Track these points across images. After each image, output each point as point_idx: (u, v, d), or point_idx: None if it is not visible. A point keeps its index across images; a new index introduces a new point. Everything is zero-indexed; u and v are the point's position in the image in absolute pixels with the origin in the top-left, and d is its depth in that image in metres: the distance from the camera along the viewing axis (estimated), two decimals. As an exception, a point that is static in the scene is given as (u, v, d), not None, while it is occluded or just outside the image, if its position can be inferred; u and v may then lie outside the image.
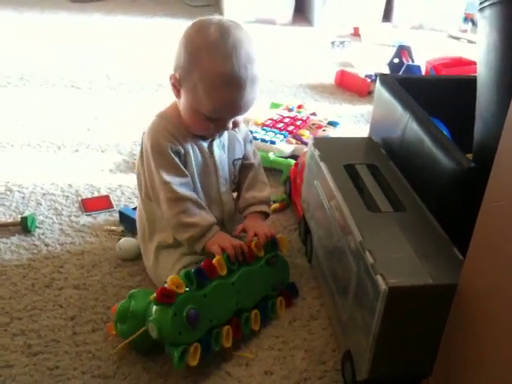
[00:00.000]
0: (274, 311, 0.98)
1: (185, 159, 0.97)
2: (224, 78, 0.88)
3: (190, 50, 0.90)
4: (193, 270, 0.86)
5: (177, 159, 0.95)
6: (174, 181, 0.94)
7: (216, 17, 0.93)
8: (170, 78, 0.94)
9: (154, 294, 0.83)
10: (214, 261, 0.89)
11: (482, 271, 0.67)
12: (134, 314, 0.86)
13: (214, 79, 0.88)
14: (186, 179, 0.96)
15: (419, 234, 0.83)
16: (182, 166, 0.95)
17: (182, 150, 0.95)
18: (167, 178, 0.93)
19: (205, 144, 0.99)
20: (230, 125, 0.96)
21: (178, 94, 0.95)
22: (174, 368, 0.83)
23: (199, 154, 0.99)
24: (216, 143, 1.01)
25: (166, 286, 0.83)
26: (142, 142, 0.99)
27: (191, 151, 0.97)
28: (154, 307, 0.82)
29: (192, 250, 0.96)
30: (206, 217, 0.96)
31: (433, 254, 0.78)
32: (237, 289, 0.91)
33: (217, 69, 0.87)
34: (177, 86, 0.94)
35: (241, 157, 1.07)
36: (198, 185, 0.99)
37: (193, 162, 0.97)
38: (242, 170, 1.09)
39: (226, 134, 1.03)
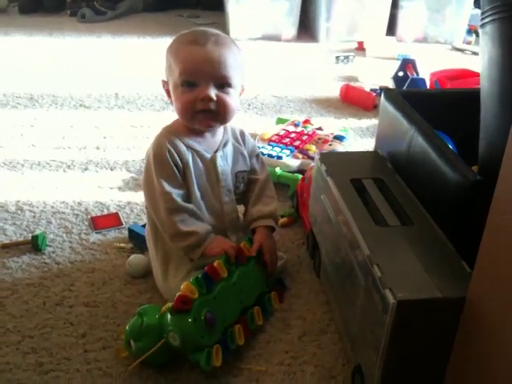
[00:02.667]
0: (271, 305, 1.02)
1: (184, 172, 0.99)
2: (187, 40, 0.97)
3: (167, 49, 1.00)
4: (200, 276, 0.89)
5: (176, 171, 0.98)
6: (174, 192, 0.97)
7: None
8: (163, 86, 1.02)
9: (168, 305, 0.86)
10: (215, 264, 0.92)
11: (491, 283, 0.67)
12: (148, 329, 0.86)
13: (178, 44, 0.98)
14: (183, 191, 0.99)
15: (427, 248, 0.83)
16: (180, 179, 0.98)
17: (181, 164, 0.98)
18: (168, 188, 0.96)
19: (208, 155, 1.02)
20: (211, 93, 0.95)
21: (168, 96, 1.01)
22: (202, 370, 0.85)
23: (201, 165, 1.01)
24: (219, 154, 1.03)
25: (179, 292, 0.85)
26: (146, 155, 1.02)
27: (191, 163, 0.99)
28: (172, 317, 0.84)
29: (189, 257, 0.99)
30: (203, 226, 0.99)
31: (441, 268, 0.79)
32: (238, 288, 0.95)
33: (182, 39, 0.98)
34: (165, 86, 1.01)
35: (246, 169, 1.09)
36: (198, 195, 1.01)
37: (192, 173, 1.00)
38: (249, 185, 1.10)
39: (230, 146, 1.06)
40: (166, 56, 1.00)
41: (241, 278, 0.96)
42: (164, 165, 0.97)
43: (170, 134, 1.00)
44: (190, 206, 0.99)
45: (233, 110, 1.00)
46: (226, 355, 0.88)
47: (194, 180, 1.00)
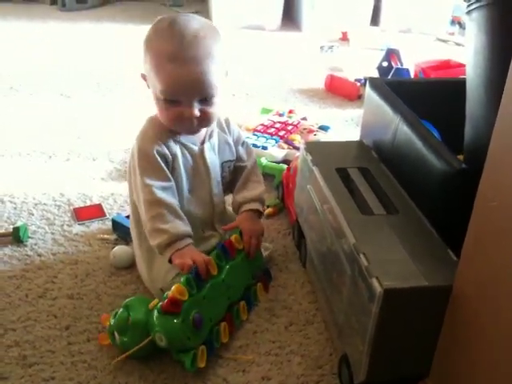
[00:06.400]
0: (256, 298, 1.02)
1: (172, 163, 0.97)
2: (167, 55, 0.89)
3: (145, 41, 0.94)
4: (191, 275, 0.87)
5: (162, 163, 0.95)
6: (156, 184, 0.94)
7: (177, 14, 0.97)
8: (142, 78, 0.98)
9: (156, 302, 0.85)
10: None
11: (476, 272, 0.67)
12: (135, 325, 0.85)
13: (158, 57, 0.91)
14: (168, 183, 0.96)
15: (413, 236, 0.83)
16: (166, 170, 0.96)
17: (170, 155, 0.96)
18: (148, 180, 0.94)
19: (195, 147, 1.00)
20: (196, 112, 0.92)
21: (149, 87, 0.98)
22: (186, 370, 0.84)
23: (189, 158, 0.99)
24: (207, 146, 1.01)
25: (170, 294, 0.83)
26: (132, 148, 0.99)
27: (179, 155, 0.97)
28: (159, 318, 0.83)
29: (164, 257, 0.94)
30: (178, 226, 0.93)
31: (427, 256, 0.79)
32: (227, 284, 0.94)
33: (161, 47, 0.90)
34: (145, 80, 0.97)
35: (231, 159, 1.08)
36: (186, 187, 0.99)
37: (181, 165, 0.98)
38: (235, 173, 1.09)
39: (215, 136, 1.04)
40: (143, 49, 0.94)
41: (230, 274, 0.95)
42: (147, 157, 0.94)
43: (156, 127, 0.97)
44: (171, 201, 0.95)
45: (216, 115, 0.99)
46: (210, 354, 0.87)
47: (183, 173, 0.98)
